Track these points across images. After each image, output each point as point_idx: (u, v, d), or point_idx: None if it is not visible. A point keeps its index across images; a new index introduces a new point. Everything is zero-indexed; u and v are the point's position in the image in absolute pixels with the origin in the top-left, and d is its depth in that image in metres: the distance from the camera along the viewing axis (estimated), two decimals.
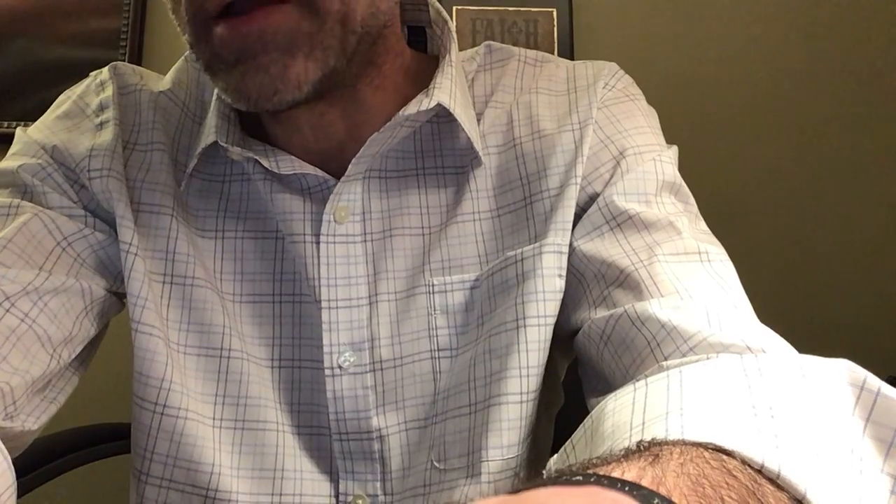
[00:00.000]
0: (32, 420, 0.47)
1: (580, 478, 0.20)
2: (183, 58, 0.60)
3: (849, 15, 1.46)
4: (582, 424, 0.34)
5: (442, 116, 0.54)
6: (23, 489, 0.66)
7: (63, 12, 1.38)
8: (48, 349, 0.47)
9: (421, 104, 0.51)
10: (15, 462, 0.41)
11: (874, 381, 0.29)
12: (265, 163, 0.51)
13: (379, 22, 0.49)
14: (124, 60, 1.35)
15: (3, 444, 0.40)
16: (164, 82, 0.59)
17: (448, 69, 0.53)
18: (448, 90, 0.52)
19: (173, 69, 0.60)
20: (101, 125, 0.55)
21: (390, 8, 0.50)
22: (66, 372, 0.51)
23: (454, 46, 0.56)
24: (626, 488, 0.19)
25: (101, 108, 0.56)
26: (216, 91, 0.53)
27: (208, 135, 0.52)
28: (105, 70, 0.58)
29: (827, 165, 1.44)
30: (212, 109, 0.53)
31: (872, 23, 1.46)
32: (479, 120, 0.56)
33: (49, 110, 0.57)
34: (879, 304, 1.40)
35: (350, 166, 0.51)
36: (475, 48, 0.62)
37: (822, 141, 1.44)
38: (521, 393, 0.49)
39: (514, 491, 0.18)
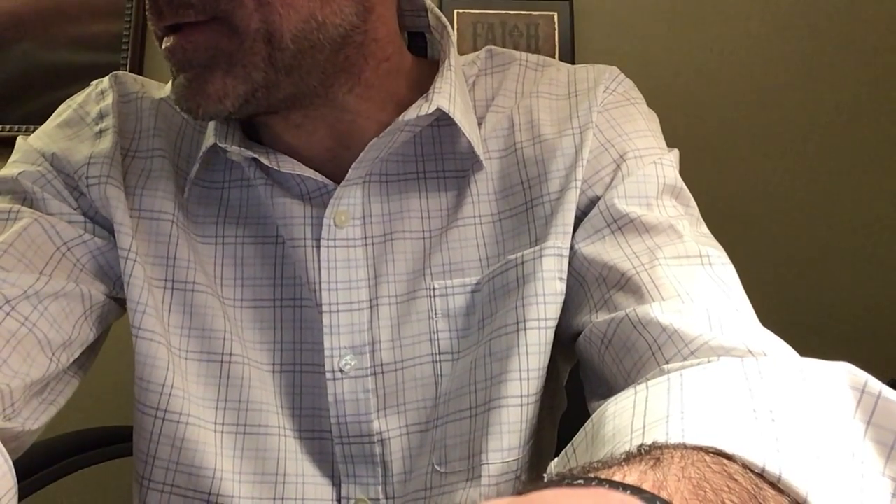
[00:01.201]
0: (32, 420, 0.48)
1: (581, 481, 0.20)
2: None
3: (851, 16, 1.46)
4: (583, 428, 0.34)
5: (443, 120, 0.54)
6: (24, 492, 0.66)
7: (65, 16, 1.38)
8: (48, 353, 0.47)
9: (420, 109, 0.51)
10: (16, 464, 0.41)
11: (875, 385, 0.29)
12: (265, 160, 0.51)
13: (331, 34, 0.48)
14: (126, 64, 1.35)
15: (4, 445, 0.40)
16: (166, 90, 0.59)
17: (447, 74, 0.53)
18: (448, 95, 0.52)
19: None
20: (101, 133, 0.55)
21: (349, 18, 0.48)
22: (64, 375, 0.51)
23: (453, 51, 0.56)
24: (629, 492, 0.19)
25: (101, 116, 0.56)
26: None
27: (208, 138, 0.53)
28: (106, 79, 0.59)
29: (828, 169, 1.44)
30: None
31: (874, 25, 1.46)
32: (480, 124, 0.56)
33: (50, 119, 0.58)
34: (881, 307, 1.40)
35: (350, 171, 0.51)
36: (476, 52, 0.62)
37: (823, 144, 1.44)
38: (522, 396, 0.49)
39: (518, 493, 0.18)
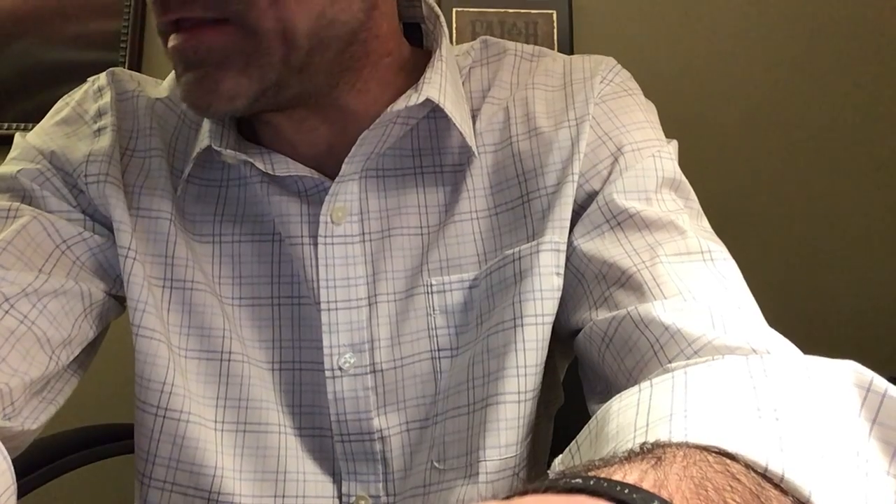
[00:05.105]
0: (31, 420, 0.47)
1: (580, 480, 0.20)
2: None
3: (851, 13, 1.46)
4: (587, 425, 0.34)
5: (439, 113, 0.54)
6: (23, 490, 0.66)
7: (64, 14, 1.38)
8: (47, 351, 0.47)
9: (409, 100, 0.50)
10: (15, 462, 0.41)
11: (881, 383, 0.29)
12: (260, 165, 0.51)
13: (339, 31, 0.48)
14: (124, 62, 1.35)
15: (3, 444, 0.40)
16: (162, 89, 0.59)
17: (438, 64, 0.53)
18: (438, 85, 0.52)
19: (171, 76, 0.60)
20: (99, 131, 0.55)
21: (356, 14, 0.49)
22: (64, 373, 0.51)
23: (445, 41, 0.55)
24: (626, 491, 0.19)
25: (100, 114, 0.56)
26: None
27: (203, 139, 0.52)
28: (103, 76, 0.58)
29: (828, 165, 1.44)
30: None
31: (874, 22, 1.46)
32: (476, 116, 0.56)
33: (47, 116, 0.58)
34: (883, 303, 1.40)
35: (344, 165, 0.51)
36: (470, 43, 0.61)
37: (822, 140, 1.44)
38: (519, 392, 0.49)
39: (507, 496, 0.18)
